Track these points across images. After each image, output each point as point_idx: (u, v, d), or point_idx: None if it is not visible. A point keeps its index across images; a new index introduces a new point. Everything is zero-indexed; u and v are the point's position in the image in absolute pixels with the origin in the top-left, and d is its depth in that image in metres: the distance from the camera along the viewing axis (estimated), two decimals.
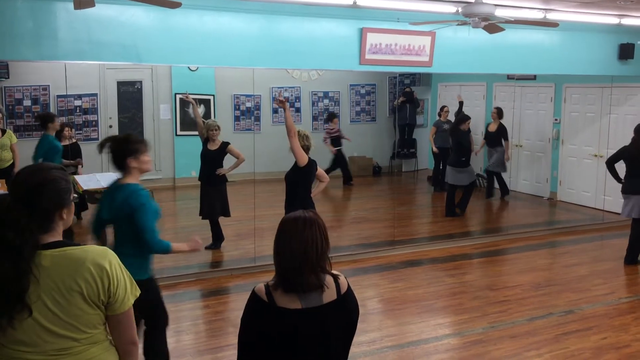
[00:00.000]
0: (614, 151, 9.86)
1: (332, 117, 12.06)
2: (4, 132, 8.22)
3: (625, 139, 9.67)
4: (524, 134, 11.17)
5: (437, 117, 11.30)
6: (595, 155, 10.13)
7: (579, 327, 5.34)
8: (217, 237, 7.57)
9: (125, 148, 3.72)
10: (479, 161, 11.12)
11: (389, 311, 5.76)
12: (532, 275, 6.83)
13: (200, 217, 7.76)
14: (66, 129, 8.70)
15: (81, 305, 1.98)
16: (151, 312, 3.87)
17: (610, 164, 7.37)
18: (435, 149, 10.82)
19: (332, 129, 11.90)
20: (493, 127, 10.54)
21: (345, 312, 2.25)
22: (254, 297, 2.23)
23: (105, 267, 2.01)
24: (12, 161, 8.13)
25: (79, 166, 8.43)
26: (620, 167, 7.37)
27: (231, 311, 5.72)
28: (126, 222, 3.68)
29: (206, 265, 7.06)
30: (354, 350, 4.83)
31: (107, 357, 2.09)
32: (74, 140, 8.91)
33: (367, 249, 7.72)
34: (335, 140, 11.82)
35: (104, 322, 2.08)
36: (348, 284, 2.30)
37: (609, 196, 9.87)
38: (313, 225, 2.22)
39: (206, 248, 7.55)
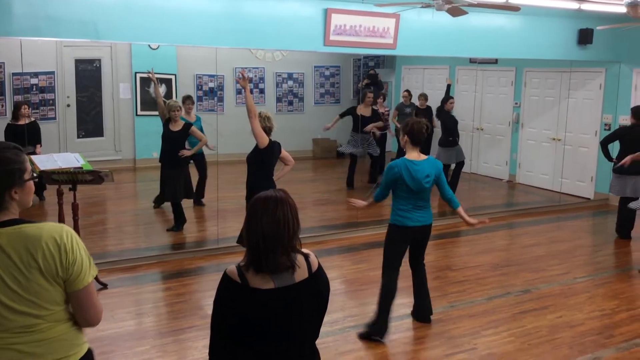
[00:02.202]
0: (572, 134, 10.14)
1: (378, 97, 10.93)
2: None
3: (582, 123, 9.94)
4: (484, 117, 11.34)
5: (400, 100, 11.36)
6: (554, 139, 10.35)
7: (535, 306, 5.48)
8: (179, 219, 7.50)
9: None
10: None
11: (351, 292, 5.81)
12: (491, 255, 6.98)
13: (161, 199, 7.66)
14: (23, 107, 8.44)
15: (40, 281, 1.99)
16: None
17: (605, 144, 7.76)
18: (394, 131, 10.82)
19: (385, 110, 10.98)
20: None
21: (317, 290, 2.28)
22: (226, 278, 2.21)
23: (61, 243, 2.02)
24: None
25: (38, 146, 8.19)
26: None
27: (193, 293, 5.69)
28: None
29: (168, 247, 6.99)
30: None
31: (74, 334, 2.11)
32: (32, 119, 8.67)
33: (331, 230, 7.76)
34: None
35: (64, 300, 2.08)
36: (319, 263, 2.32)
37: (566, 179, 10.13)
38: (284, 204, 2.22)
39: (168, 230, 7.49)
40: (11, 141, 7.52)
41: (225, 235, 7.01)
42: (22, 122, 8.31)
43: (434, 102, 10.18)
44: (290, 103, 13.13)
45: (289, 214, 2.22)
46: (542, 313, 5.34)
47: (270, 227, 2.17)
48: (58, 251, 2.01)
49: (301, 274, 2.23)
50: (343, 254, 6.97)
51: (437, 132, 10.15)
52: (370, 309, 5.35)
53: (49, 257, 1.99)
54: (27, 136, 8.00)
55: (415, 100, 10.94)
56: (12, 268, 1.96)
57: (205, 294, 5.67)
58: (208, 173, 8.67)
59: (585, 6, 7.33)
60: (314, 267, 2.28)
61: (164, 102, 7.49)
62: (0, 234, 1.97)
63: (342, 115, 10.24)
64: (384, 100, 11.16)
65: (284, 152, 5.66)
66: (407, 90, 11.26)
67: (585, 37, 8.78)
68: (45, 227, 2.03)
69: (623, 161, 7.02)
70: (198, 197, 8.55)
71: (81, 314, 2.12)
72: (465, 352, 4.58)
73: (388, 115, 10.95)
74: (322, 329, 4.77)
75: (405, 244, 4.85)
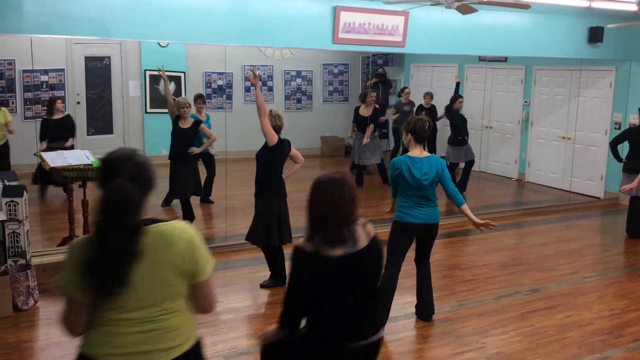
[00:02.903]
0: (582, 133, 10.08)
1: (401, 90, 11.11)
2: None
3: (592, 121, 9.88)
4: (494, 115, 11.30)
5: (398, 98, 11.31)
6: (564, 138, 10.29)
7: (544, 306, 5.46)
8: (188, 216, 7.52)
9: None
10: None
11: None
12: (500, 254, 6.96)
13: (170, 198, 7.68)
14: (58, 101, 8.62)
15: (171, 277, 2.15)
16: None
17: (614, 145, 7.79)
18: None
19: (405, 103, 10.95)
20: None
21: (375, 254, 2.65)
22: (299, 250, 2.54)
23: (191, 240, 2.19)
24: (5, 140, 8.08)
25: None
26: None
27: None
28: None
29: None
30: None
31: (189, 325, 2.26)
32: (66, 113, 8.81)
33: None
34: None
35: (186, 294, 2.22)
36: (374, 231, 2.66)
37: (576, 178, 10.08)
38: (342, 185, 2.56)
39: None
40: (46, 134, 7.77)
41: (234, 233, 7.02)
42: (56, 116, 8.48)
43: (444, 101, 10.14)
44: (299, 101, 13.13)
45: (346, 193, 2.55)
46: (550, 312, 5.32)
47: (330, 206, 2.51)
48: (189, 248, 2.17)
49: (362, 242, 2.58)
50: None
51: (445, 131, 10.12)
52: None
53: (183, 254, 2.15)
54: (61, 131, 8.22)
55: (414, 99, 10.91)
56: (151, 263, 2.11)
57: (290, 272, 5.68)
58: (217, 171, 8.69)
59: (596, 4, 7.28)
60: (371, 234, 2.65)
61: (174, 100, 7.51)
62: (148, 232, 2.12)
63: (355, 122, 10.21)
64: (410, 93, 11.14)
65: (294, 150, 5.67)
66: (406, 87, 11.26)
67: (595, 35, 8.73)
68: (176, 225, 2.20)
69: (631, 185, 7.06)
70: (206, 195, 8.57)
71: (200, 303, 2.27)
72: (474, 351, 4.57)
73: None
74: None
75: (406, 241, 4.82)
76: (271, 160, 5.48)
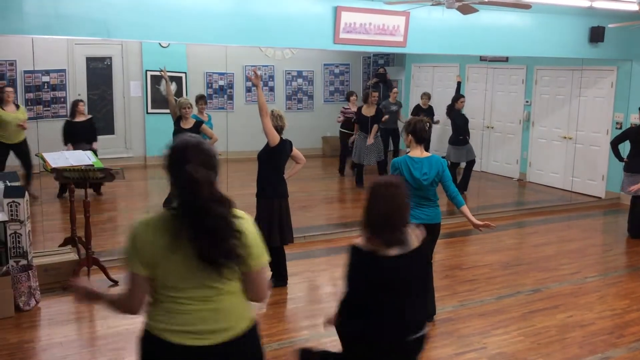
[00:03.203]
0: (583, 133, 10.08)
1: (350, 94, 11.09)
2: (18, 107, 8.38)
3: (593, 121, 9.88)
4: (495, 115, 11.30)
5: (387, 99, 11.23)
6: (565, 137, 10.29)
7: (545, 306, 5.46)
8: None
9: None
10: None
11: None
12: (501, 254, 6.95)
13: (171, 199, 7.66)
14: (80, 104, 8.77)
15: None
16: None
17: (615, 144, 7.78)
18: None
19: (347, 109, 10.87)
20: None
21: (425, 254, 2.93)
22: (355, 249, 2.73)
23: (246, 228, 2.30)
24: (24, 137, 8.23)
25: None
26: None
27: None
28: None
29: None
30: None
31: (243, 307, 2.35)
32: (89, 117, 8.92)
33: (340, 228, 7.75)
34: (347, 122, 10.71)
35: (239, 277, 2.30)
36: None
37: (577, 177, 10.08)
38: (399, 189, 2.74)
39: None
40: (69, 138, 7.90)
41: None
42: (79, 119, 8.63)
43: (444, 101, 10.14)
44: (300, 101, 13.14)
45: (403, 197, 2.73)
46: (552, 312, 5.31)
47: (390, 208, 2.68)
48: (244, 235, 2.26)
49: (413, 243, 2.77)
50: None
51: (445, 131, 10.12)
52: None
53: (247, 240, 2.27)
54: (84, 134, 8.44)
55: (415, 99, 10.89)
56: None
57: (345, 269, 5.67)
58: (218, 171, 8.69)
59: (597, 4, 7.27)
60: (421, 237, 2.83)
61: (175, 100, 7.51)
62: (242, 220, 2.33)
63: (357, 122, 10.22)
64: (357, 98, 11.05)
65: (295, 151, 5.66)
66: (395, 88, 11.26)
67: (596, 35, 8.72)
68: (241, 214, 2.35)
69: (636, 187, 7.07)
70: None
71: (253, 291, 2.35)
72: (475, 351, 4.57)
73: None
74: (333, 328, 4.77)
75: None
76: (273, 160, 5.48)
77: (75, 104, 8.73)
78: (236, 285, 2.30)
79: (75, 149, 7.72)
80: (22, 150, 8.18)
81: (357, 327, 2.76)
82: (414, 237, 2.79)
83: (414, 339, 2.80)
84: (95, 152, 8.01)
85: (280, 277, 5.69)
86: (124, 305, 2.32)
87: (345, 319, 2.81)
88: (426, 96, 10.71)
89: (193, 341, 2.21)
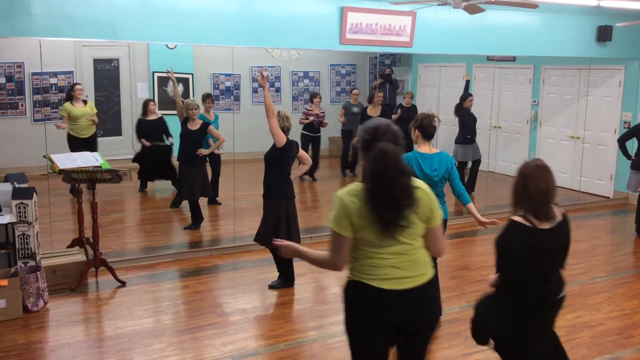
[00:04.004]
0: (591, 133, 10.03)
1: (314, 96, 10.76)
2: (85, 102, 8.91)
3: (601, 121, 9.83)
4: (502, 115, 11.25)
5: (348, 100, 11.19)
6: (572, 137, 10.24)
7: None
8: (197, 217, 7.54)
9: None
10: None
11: None
12: None
13: (179, 200, 7.70)
14: (150, 103, 9.19)
15: (416, 220, 2.80)
16: None
17: (622, 142, 7.76)
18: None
19: (310, 110, 10.62)
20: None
21: (568, 226, 3.26)
22: (516, 223, 3.08)
23: (432, 197, 2.87)
24: (94, 131, 8.86)
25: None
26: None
27: (210, 291, 5.72)
28: None
29: (185, 245, 7.03)
30: (334, 329, 4.87)
31: (428, 259, 2.90)
32: (159, 115, 9.29)
33: None
34: (310, 125, 10.50)
35: (422, 235, 2.86)
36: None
37: (585, 177, 10.03)
38: (549, 170, 3.14)
39: (185, 228, 7.53)
40: (143, 135, 8.16)
41: (242, 234, 7.03)
42: (150, 117, 9.05)
43: (451, 101, 10.12)
44: (307, 102, 13.13)
45: (552, 176, 3.14)
46: (560, 313, 5.25)
47: (546, 186, 3.08)
48: (431, 202, 2.83)
49: (559, 217, 3.17)
50: None
51: (453, 130, 10.09)
52: None
53: (427, 205, 2.81)
54: (154, 133, 8.99)
55: (421, 99, 10.88)
56: (414, 213, 2.77)
57: (222, 292, 5.70)
58: (224, 172, 8.71)
59: (605, 3, 7.24)
60: (562, 211, 3.24)
61: (182, 102, 7.53)
62: (418, 190, 2.80)
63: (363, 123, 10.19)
64: (321, 100, 10.70)
65: (301, 152, 5.68)
66: (355, 89, 11.18)
67: (604, 34, 8.68)
68: (422, 186, 2.86)
69: None
70: (213, 195, 8.60)
71: (434, 245, 2.91)
72: (483, 352, 4.55)
73: (323, 117, 10.57)
74: (336, 328, 4.78)
75: None
76: (279, 161, 5.48)
77: (147, 103, 9.13)
78: (421, 242, 2.86)
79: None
80: (92, 143, 8.67)
81: (522, 290, 3.13)
82: (557, 211, 3.17)
83: (560, 298, 3.34)
84: (170, 147, 9.01)
85: (286, 278, 5.70)
86: (330, 263, 2.83)
87: (509, 286, 3.17)
88: (409, 95, 10.84)
89: (395, 285, 2.76)
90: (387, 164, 2.68)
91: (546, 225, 3.09)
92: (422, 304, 2.84)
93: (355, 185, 2.77)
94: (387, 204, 2.68)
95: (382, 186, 2.67)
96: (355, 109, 10.83)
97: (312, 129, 10.44)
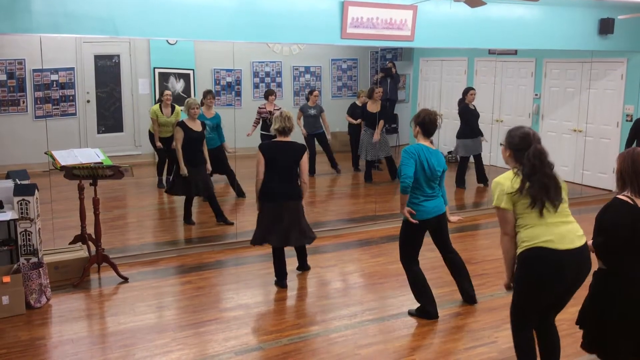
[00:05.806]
0: (593, 126, 9.99)
1: (269, 93, 9.94)
2: (173, 108, 9.14)
3: (603, 114, 9.80)
4: (504, 109, 11.22)
5: (305, 101, 10.82)
6: (575, 130, 10.22)
7: None
8: (187, 215, 7.55)
9: None
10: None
11: (370, 285, 5.80)
12: None
13: (186, 195, 7.72)
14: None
15: (565, 196, 3.77)
16: None
17: (629, 144, 7.80)
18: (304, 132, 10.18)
19: (262, 108, 9.85)
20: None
21: None
22: (620, 201, 3.50)
23: (563, 184, 3.73)
24: (171, 133, 8.63)
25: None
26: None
27: (213, 286, 5.72)
28: None
29: (187, 241, 7.03)
30: (335, 324, 4.87)
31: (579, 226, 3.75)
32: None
33: (349, 224, 7.75)
34: (263, 123, 9.81)
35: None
36: None
37: (588, 171, 10.00)
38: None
39: (218, 222, 7.55)
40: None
41: (244, 229, 7.04)
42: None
43: (452, 94, 10.09)
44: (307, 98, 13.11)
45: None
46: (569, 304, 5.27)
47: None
48: (562, 188, 3.68)
49: None
50: (361, 247, 6.96)
51: (455, 125, 10.07)
52: (389, 302, 5.35)
53: (564, 188, 3.71)
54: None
55: (423, 93, 10.85)
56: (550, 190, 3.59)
57: (224, 287, 5.71)
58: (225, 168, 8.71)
59: None
60: None
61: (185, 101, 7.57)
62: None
63: (363, 118, 10.16)
64: (275, 98, 10.02)
65: (303, 166, 5.60)
66: (315, 90, 10.73)
67: (606, 26, 8.64)
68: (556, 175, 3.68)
69: None
70: (237, 194, 8.71)
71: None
72: (486, 345, 4.56)
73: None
74: (341, 323, 4.77)
75: (422, 236, 4.97)
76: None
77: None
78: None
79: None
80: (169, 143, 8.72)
81: (622, 260, 3.50)
82: None
83: None
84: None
85: (302, 266, 6.01)
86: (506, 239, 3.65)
87: (608, 255, 3.55)
88: (363, 93, 10.59)
89: (568, 245, 3.51)
90: (542, 159, 3.54)
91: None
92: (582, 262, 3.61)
93: (508, 174, 3.62)
94: (540, 189, 3.51)
95: (537, 176, 3.50)
96: (313, 112, 10.35)
97: (266, 127, 9.54)
